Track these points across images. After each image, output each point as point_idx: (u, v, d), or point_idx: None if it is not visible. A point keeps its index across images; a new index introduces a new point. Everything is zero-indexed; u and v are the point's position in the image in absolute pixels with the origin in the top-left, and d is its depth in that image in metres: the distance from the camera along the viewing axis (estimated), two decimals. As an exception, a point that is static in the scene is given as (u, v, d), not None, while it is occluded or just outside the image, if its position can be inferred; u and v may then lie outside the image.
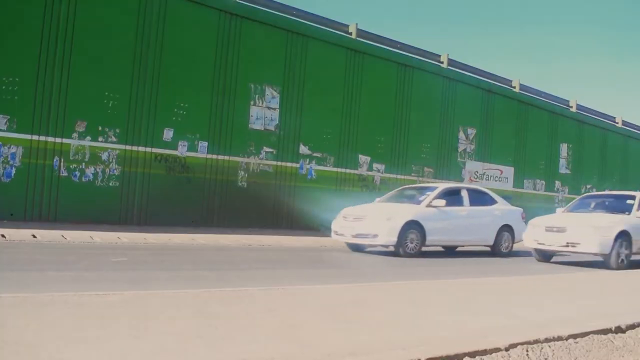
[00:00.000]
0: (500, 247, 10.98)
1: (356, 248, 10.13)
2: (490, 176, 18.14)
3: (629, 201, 10.31)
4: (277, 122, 13.24)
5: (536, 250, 10.30)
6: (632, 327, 3.95)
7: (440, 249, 11.09)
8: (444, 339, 3.20)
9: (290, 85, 13.45)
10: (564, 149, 21.05)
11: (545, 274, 7.93)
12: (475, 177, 17.67)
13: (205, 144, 12.13)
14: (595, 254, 9.40)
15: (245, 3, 12.88)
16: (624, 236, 9.32)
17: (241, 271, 6.81)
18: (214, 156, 12.24)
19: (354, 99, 14.54)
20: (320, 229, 12.08)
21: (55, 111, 10.31)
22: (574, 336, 3.55)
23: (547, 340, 3.37)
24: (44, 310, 3.33)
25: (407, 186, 12.69)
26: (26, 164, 10.05)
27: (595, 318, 4.08)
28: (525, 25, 59.23)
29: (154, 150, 11.43)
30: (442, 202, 10.05)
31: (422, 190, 11.07)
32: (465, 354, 2.95)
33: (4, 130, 9.84)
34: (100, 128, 10.80)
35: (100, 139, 10.81)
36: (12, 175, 9.95)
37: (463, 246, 11.32)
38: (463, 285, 5.77)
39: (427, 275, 7.11)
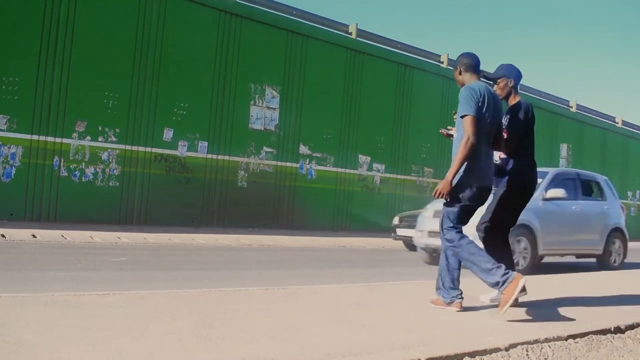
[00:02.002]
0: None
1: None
2: (490, 176, 18.15)
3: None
4: (277, 122, 13.24)
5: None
6: (632, 327, 3.96)
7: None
8: (444, 339, 3.20)
9: (290, 85, 13.46)
10: (564, 149, 21.05)
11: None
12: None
13: (205, 144, 12.13)
14: None
15: (245, 3, 12.89)
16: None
17: (241, 271, 6.81)
18: (214, 156, 12.24)
19: (354, 99, 14.55)
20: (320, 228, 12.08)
21: (55, 111, 10.31)
22: (574, 336, 3.55)
23: (547, 340, 3.38)
24: (44, 310, 3.33)
25: None
26: (26, 164, 10.05)
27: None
28: (525, 25, 59.28)
29: (154, 150, 11.43)
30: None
31: None
32: (465, 354, 2.95)
33: (4, 130, 9.85)
34: (100, 128, 10.81)
35: (100, 139, 10.81)
36: (12, 175, 9.96)
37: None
38: (461, 284, 5.76)
39: (428, 275, 7.11)
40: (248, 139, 12.78)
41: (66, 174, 10.46)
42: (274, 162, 13.17)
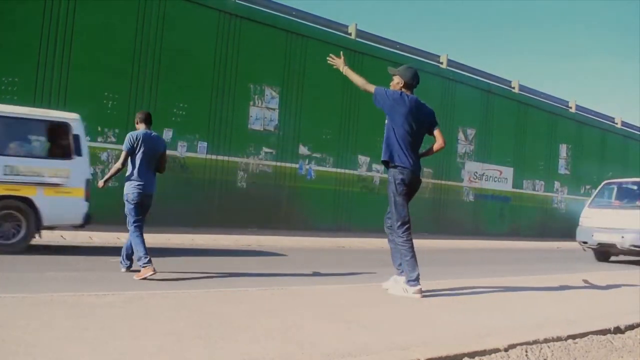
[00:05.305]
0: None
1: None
2: (490, 177, 18.15)
3: None
4: (277, 122, 13.24)
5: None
6: (631, 327, 3.96)
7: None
8: (443, 339, 3.20)
9: (290, 86, 13.45)
10: (563, 149, 21.05)
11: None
12: (475, 177, 17.68)
13: (205, 144, 12.12)
14: None
15: (245, 3, 12.89)
16: None
17: (241, 271, 6.80)
18: (214, 156, 12.23)
19: (354, 99, 14.54)
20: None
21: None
22: (573, 337, 3.55)
23: (546, 340, 3.38)
24: (43, 310, 3.33)
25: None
26: (26, 164, 10.02)
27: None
28: (525, 25, 59.27)
29: (154, 150, 11.40)
30: None
31: None
32: (464, 355, 2.95)
33: (3, 130, 9.82)
34: (99, 128, 10.80)
35: (99, 139, 10.80)
36: (12, 175, 9.93)
37: None
38: (461, 285, 5.77)
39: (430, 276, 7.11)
40: (247, 139, 12.77)
41: (66, 174, 10.43)
42: (274, 163, 13.16)
